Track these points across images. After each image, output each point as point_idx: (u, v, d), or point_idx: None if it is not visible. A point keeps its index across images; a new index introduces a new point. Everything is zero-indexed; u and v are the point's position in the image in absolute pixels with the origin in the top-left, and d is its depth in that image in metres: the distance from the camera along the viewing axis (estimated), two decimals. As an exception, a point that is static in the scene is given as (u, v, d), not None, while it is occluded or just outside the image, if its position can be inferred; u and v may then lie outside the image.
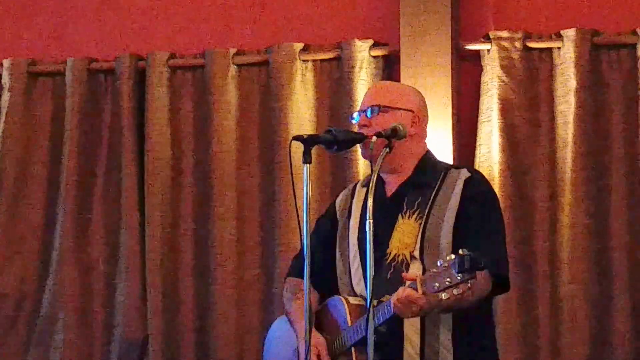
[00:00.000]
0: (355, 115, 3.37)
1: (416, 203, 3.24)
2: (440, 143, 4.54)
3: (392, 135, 3.19)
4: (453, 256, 2.86)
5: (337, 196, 3.55)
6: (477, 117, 4.69)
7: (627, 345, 4.47)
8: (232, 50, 4.97)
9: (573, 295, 4.50)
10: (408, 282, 3.01)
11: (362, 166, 4.67)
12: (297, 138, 3.14)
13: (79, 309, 4.98)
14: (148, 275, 4.91)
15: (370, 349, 2.93)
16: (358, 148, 3.43)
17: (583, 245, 4.52)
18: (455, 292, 2.87)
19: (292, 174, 3.17)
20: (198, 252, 4.93)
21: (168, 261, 4.94)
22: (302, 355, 3.24)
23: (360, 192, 3.41)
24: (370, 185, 3.03)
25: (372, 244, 2.96)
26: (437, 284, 2.89)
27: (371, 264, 2.96)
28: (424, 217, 3.21)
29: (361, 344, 3.13)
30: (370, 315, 2.94)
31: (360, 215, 3.34)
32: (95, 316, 4.99)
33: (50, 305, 5.00)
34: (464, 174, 3.28)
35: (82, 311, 4.99)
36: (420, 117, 3.33)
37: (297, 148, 3.13)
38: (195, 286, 4.91)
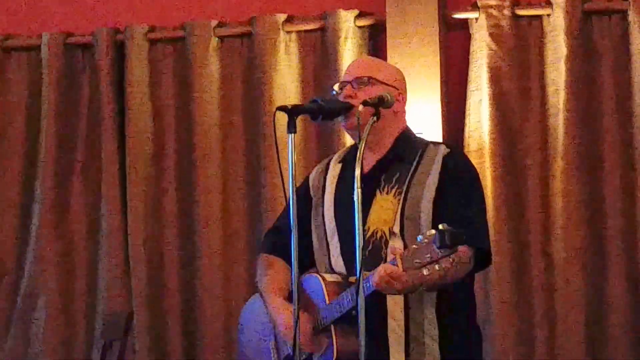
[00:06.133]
0: (335, 87, 3.32)
1: (394, 179, 3.20)
2: (429, 114, 4.51)
3: (379, 104, 3.13)
4: (433, 231, 2.81)
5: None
6: (466, 86, 4.64)
7: (622, 311, 4.45)
8: (214, 22, 4.90)
9: (567, 263, 4.48)
10: (389, 259, 2.98)
11: (349, 136, 4.57)
12: (281, 108, 3.09)
13: (61, 286, 4.93)
14: (131, 251, 4.86)
15: (362, 324, 2.88)
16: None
17: (576, 212, 4.49)
18: (436, 267, 2.84)
19: (276, 145, 3.12)
20: (182, 227, 4.88)
21: (151, 236, 4.89)
22: (282, 329, 3.22)
23: (334, 168, 3.37)
24: (358, 154, 2.97)
25: (360, 213, 2.91)
26: (418, 260, 2.85)
27: (360, 235, 2.91)
28: (403, 193, 3.17)
29: (341, 321, 3.11)
30: (361, 289, 2.89)
31: (336, 190, 3.31)
32: (77, 293, 4.94)
33: (30, 282, 4.95)
34: (443, 149, 3.25)
35: (64, 288, 4.93)
36: (403, 95, 3.31)
37: (282, 119, 3.07)
38: (180, 261, 4.87)
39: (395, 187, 3.18)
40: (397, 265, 2.90)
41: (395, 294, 3.04)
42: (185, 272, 4.85)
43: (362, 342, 2.87)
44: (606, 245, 4.47)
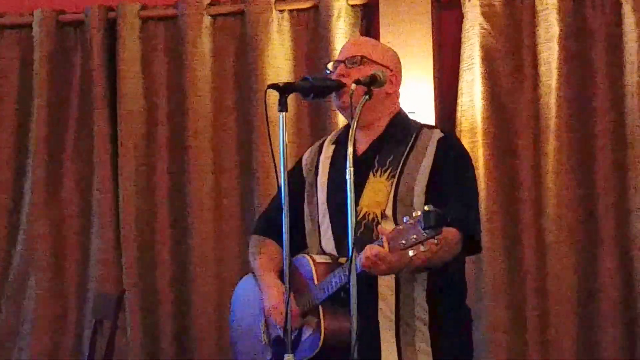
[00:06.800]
0: (329, 65, 3.32)
1: (388, 161, 3.20)
2: (421, 93, 4.50)
3: (371, 83, 3.11)
4: (419, 212, 2.81)
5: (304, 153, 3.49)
6: (458, 65, 4.63)
7: (614, 291, 4.45)
8: (206, 0, 4.87)
9: (559, 242, 4.48)
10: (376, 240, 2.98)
11: (341, 116, 4.57)
12: (273, 86, 3.08)
13: (52, 264, 4.92)
14: (122, 229, 4.85)
15: (354, 306, 2.88)
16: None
17: (568, 192, 4.49)
18: (422, 248, 2.83)
19: (267, 123, 3.12)
20: (174, 205, 4.88)
21: (143, 214, 4.88)
22: (267, 308, 3.24)
23: (328, 149, 3.37)
24: (350, 132, 2.96)
25: (352, 193, 2.89)
26: (403, 241, 2.85)
27: (352, 213, 2.90)
28: (396, 175, 3.18)
29: (329, 301, 3.11)
30: (353, 268, 2.88)
31: (329, 172, 3.31)
32: (68, 272, 4.93)
33: (21, 260, 4.94)
34: (437, 134, 3.26)
35: (55, 266, 4.93)
36: (397, 77, 3.31)
37: (274, 98, 3.06)
38: (172, 239, 4.87)
39: (389, 169, 3.18)
40: (383, 246, 2.89)
41: (381, 275, 3.04)
42: (177, 251, 4.85)
43: (354, 325, 2.85)
44: (598, 224, 4.47)
